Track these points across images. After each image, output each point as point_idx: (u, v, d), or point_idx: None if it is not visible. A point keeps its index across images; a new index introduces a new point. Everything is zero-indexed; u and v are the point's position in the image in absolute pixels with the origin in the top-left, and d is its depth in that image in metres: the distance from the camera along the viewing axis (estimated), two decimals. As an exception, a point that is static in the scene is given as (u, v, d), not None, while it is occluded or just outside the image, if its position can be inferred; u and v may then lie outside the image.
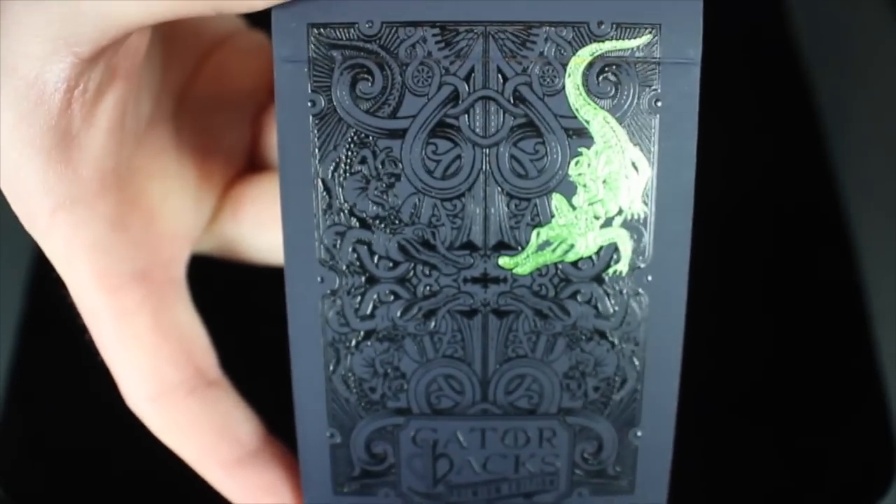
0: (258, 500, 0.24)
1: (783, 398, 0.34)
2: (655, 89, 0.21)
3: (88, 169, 0.22)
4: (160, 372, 0.23)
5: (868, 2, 0.37)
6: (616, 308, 0.22)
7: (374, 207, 0.21)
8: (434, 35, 0.20)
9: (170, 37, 0.24)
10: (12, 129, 0.21)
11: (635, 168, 0.21)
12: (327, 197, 0.21)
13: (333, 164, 0.21)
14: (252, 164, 0.26)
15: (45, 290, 0.32)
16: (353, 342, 0.22)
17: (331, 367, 0.23)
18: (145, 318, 0.23)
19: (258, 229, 0.24)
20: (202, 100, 0.24)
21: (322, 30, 0.20)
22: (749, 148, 0.36)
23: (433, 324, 0.22)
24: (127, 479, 0.33)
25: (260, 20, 0.23)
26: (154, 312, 0.23)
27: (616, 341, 0.22)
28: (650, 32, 0.21)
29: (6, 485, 0.31)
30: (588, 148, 0.21)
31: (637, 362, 0.23)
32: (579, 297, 0.22)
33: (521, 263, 0.22)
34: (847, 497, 0.31)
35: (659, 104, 0.21)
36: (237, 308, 0.30)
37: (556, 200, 0.21)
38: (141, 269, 0.23)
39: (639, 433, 0.23)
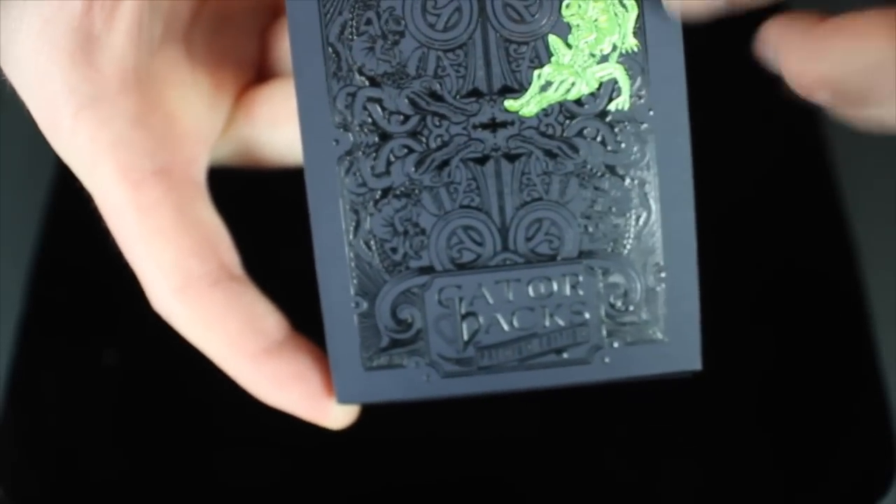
0: (288, 389, 0.24)
1: (783, 398, 0.33)
2: None
3: (110, 67, 0.23)
4: (183, 263, 0.23)
5: (868, 2, 0.38)
6: (623, 143, 0.23)
7: (382, 65, 0.23)
8: None
9: None
10: (38, 34, 0.23)
11: (623, 5, 0.23)
12: (336, 59, 0.23)
13: (340, 27, 0.22)
14: (261, 78, 0.27)
15: (45, 290, 0.32)
16: (372, 202, 0.23)
17: (351, 233, 0.23)
18: (167, 212, 0.23)
19: (272, 127, 0.25)
20: (211, 20, 0.26)
21: None
22: (748, 148, 0.36)
23: (447, 174, 0.23)
24: (127, 480, 0.32)
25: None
26: (176, 207, 0.24)
27: (627, 178, 0.23)
28: None
29: (6, 485, 0.30)
30: None
31: (651, 199, 0.23)
32: (586, 133, 0.23)
33: (526, 104, 0.23)
34: (847, 497, 0.31)
35: None
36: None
37: (552, 41, 0.23)
38: (162, 166, 0.24)
39: (662, 274, 0.23)
